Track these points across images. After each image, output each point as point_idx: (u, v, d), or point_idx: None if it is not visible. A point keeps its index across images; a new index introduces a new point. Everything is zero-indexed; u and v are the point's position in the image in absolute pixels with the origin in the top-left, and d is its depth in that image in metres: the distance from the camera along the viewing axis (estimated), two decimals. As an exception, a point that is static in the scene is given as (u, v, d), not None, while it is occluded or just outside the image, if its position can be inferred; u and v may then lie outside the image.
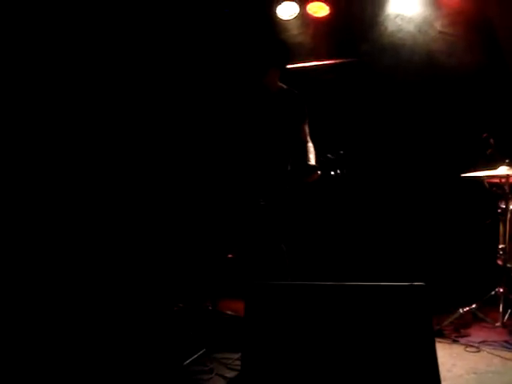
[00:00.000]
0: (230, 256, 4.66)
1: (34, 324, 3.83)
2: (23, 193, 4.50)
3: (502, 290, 3.97)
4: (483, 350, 3.50)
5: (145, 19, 4.99)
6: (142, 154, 5.18)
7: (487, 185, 4.30)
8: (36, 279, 4.36)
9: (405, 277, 2.73)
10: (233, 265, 4.55)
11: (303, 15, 5.16)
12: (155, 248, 5.05)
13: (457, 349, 3.57)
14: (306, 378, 2.52)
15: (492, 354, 3.43)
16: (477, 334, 3.84)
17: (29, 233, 4.49)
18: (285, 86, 3.96)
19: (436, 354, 2.45)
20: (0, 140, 4.38)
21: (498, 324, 3.88)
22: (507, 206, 4.06)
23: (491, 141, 4.13)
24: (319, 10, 5.14)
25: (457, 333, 3.87)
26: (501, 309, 3.92)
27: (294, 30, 5.24)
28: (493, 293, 4.00)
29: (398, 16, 4.97)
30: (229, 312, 4.23)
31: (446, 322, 3.91)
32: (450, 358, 3.38)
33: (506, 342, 3.62)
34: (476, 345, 3.59)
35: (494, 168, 4.03)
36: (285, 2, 5.09)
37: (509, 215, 4.04)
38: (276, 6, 5.13)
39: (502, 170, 3.99)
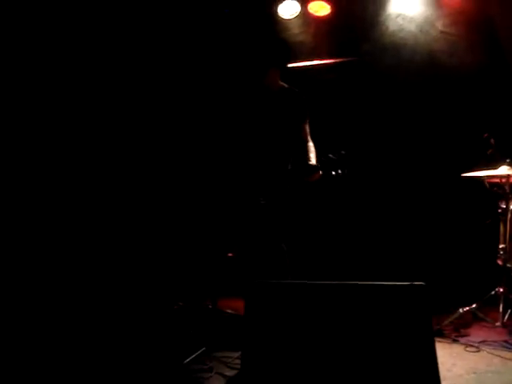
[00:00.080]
0: (230, 255, 4.66)
1: (34, 322, 3.83)
2: (23, 193, 4.51)
3: (502, 290, 3.97)
4: (483, 350, 3.50)
5: (145, 19, 4.99)
6: (142, 152, 5.18)
7: (488, 185, 4.30)
8: (35, 277, 4.36)
9: (405, 276, 2.73)
10: (233, 264, 4.55)
11: (304, 14, 5.16)
12: (155, 247, 5.05)
13: (457, 348, 3.57)
14: (305, 377, 2.52)
15: (492, 353, 3.43)
16: (477, 334, 3.84)
17: (28, 232, 4.49)
18: (286, 85, 3.95)
19: (436, 353, 2.45)
20: (0, 140, 4.39)
21: (497, 324, 3.88)
22: (507, 206, 4.06)
23: (492, 141, 4.13)
24: (320, 9, 5.14)
25: (457, 332, 3.87)
26: (501, 309, 3.92)
27: (295, 29, 5.24)
28: (493, 293, 4.00)
29: (399, 15, 4.97)
30: (229, 311, 4.23)
31: (445, 322, 3.91)
32: (449, 357, 3.38)
33: (505, 341, 3.63)
34: (476, 344, 3.59)
35: (495, 168, 4.03)
36: (286, 1, 5.09)
37: (509, 215, 4.04)
38: (277, 5, 5.14)
39: (503, 170, 3.99)
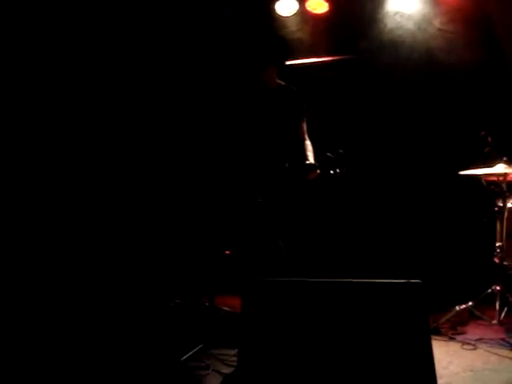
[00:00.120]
0: (227, 252, 4.66)
1: (33, 321, 3.83)
2: (23, 193, 4.51)
3: (498, 288, 3.97)
4: (480, 348, 3.52)
5: (144, 18, 4.98)
6: (141, 151, 5.17)
7: (485, 183, 4.30)
8: (34, 276, 4.36)
9: (402, 274, 2.73)
10: (230, 261, 4.55)
11: (302, 12, 5.16)
12: (152, 244, 5.05)
13: (453, 346, 3.58)
14: (302, 375, 2.52)
15: (489, 351, 3.44)
16: (473, 332, 3.85)
17: (28, 231, 4.49)
18: (283, 83, 3.94)
19: (432, 351, 2.45)
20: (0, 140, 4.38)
21: (494, 322, 3.88)
22: (504, 204, 4.07)
23: (489, 139, 4.13)
24: (318, 7, 5.13)
25: (453, 330, 3.88)
26: (497, 306, 3.92)
27: (293, 27, 5.23)
28: (489, 291, 4.00)
29: (397, 13, 4.97)
30: (226, 308, 4.23)
31: (442, 320, 3.92)
32: (446, 355, 3.39)
33: (502, 339, 3.64)
34: (472, 342, 3.60)
35: (492, 166, 4.03)
36: (284, -1, 5.09)
37: (506, 213, 4.05)
38: (275, 3, 5.13)
39: (500, 168, 4.00)
